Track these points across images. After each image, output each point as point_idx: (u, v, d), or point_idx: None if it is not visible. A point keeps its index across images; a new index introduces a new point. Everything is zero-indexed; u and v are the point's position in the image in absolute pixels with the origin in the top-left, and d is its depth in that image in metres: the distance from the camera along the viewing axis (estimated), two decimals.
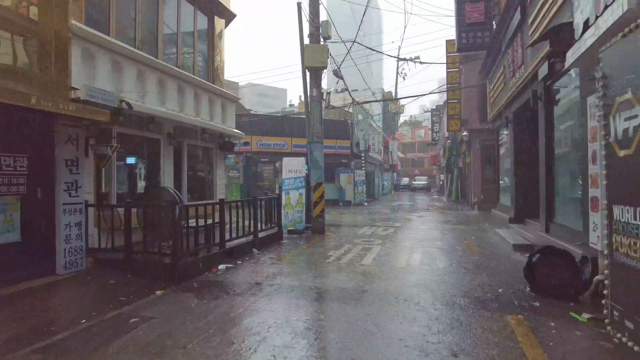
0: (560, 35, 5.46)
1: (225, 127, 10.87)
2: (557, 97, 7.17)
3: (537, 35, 7.25)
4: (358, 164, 24.55)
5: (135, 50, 7.80)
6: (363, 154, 24.68)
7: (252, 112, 24.25)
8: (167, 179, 8.93)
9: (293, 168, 10.97)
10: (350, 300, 4.97)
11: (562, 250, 5.16)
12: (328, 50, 10.68)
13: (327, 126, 23.28)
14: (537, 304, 4.74)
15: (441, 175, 45.33)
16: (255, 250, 8.23)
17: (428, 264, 6.95)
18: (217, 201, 7.30)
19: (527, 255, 7.96)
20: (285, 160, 11.10)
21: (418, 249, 8.40)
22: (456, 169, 24.34)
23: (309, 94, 11.04)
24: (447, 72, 18.77)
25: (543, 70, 7.16)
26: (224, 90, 10.93)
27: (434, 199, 29.31)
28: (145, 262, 6.35)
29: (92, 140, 6.94)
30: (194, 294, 5.30)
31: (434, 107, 38.74)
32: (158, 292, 5.45)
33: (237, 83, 38.68)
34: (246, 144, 20.13)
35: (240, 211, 8.28)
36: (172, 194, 6.60)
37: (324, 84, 11.85)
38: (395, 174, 48.97)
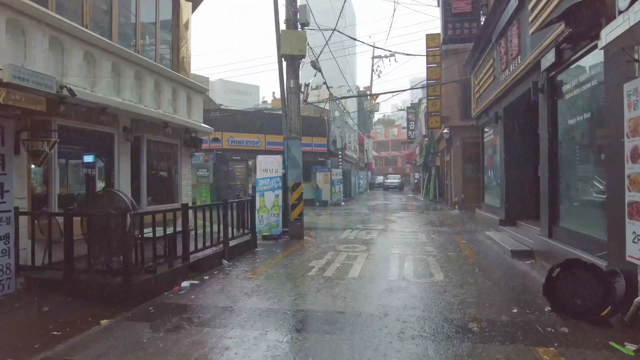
0: (581, 15, 4.73)
1: (192, 121, 9.74)
2: (565, 87, 6.49)
3: (539, 21, 6.55)
4: (335, 162, 23.72)
5: (83, 29, 6.60)
6: (340, 152, 23.87)
7: (223, 107, 22.95)
8: (122, 181, 7.75)
9: (268, 167, 9.96)
10: (344, 331, 4.06)
11: (589, 264, 4.43)
12: (306, 37, 9.72)
13: (303, 123, 22.20)
14: (565, 330, 3.98)
15: (416, 174, 45.22)
16: (225, 262, 7.20)
17: (424, 276, 6.13)
18: (180, 206, 6.25)
19: (529, 262, 7.36)
20: (260, 158, 10.07)
21: (409, 257, 7.59)
22: (434, 167, 23.91)
23: (285, 85, 10.05)
24: (427, 68, 18.18)
25: (548, 59, 6.47)
26: (190, 80, 9.79)
27: (411, 198, 28.88)
28: (89, 282, 5.23)
29: (25, 134, 5.73)
30: (149, 324, 4.25)
31: (409, 105, 38.44)
32: (103, 322, 4.38)
33: (208, 78, 37.15)
34: (216, 140, 18.90)
35: (208, 216, 7.23)
36: (124, 199, 5.48)
37: (300, 78, 10.87)
38: (369, 173, 48.51)
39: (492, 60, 10.62)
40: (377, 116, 58.35)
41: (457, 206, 17.59)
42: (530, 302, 4.81)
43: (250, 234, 8.74)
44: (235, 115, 20.53)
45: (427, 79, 18.04)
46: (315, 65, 12.32)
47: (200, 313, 4.59)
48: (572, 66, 6.06)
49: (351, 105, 40.28)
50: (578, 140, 6.37)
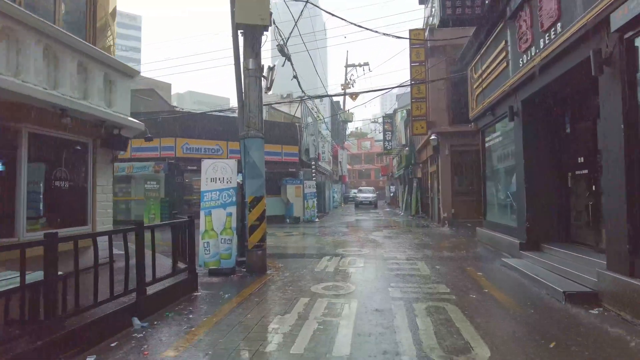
0: None
1: (113, 112, 7.03)
2: None
3: None
4: (308, 173, 21.25)
5: None
6: (313, 163, 21.43)
7: (178, 109, 20.10)
8: None
9: (218, 175, 7.34)
10: None
11: None
12: (269, 2, 7.28)
13: (272, 129, 19.82)
14: None
15: (391, 187, 43.34)
16: (137, 323, 4.53)
17: (458, 350, 3.68)
18: (44, 238, 3.59)
19: (596, 311, 4.98)
20: (206, 163, 7.43)
21: (418, 304, 5.14)
22: (415, 179, 21.84)
23: (242, 66, 7.54)
24: (411, 66, 16.15)
25: (630, 10, 4.29)
26: (111, 57, 7.11)
27: (389, 213, 26.67)
28: None
29: None
30: None
31: (384, 114, 36.68)
32: None
33: (170, 84, 34.12)
34: (167, 148, 16.09)
35: (122, 243, 4.56)
36: None
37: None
38: (344, 186, 46.28)
39: (503, 42, 8.51)
40: (350, 128, 56.47)
41: (446, 222, 15.42)
42: None
43: (187, 271, 6.07)
44: (193, 118, 17.76)
45: (412, 79, 16.00)
46: (283, 51, 9.92)
47: None
48: None
49: (324, 113, 38.17)
50: None
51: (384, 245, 10.66)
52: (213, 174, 7.32)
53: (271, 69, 7.90)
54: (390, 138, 32.60)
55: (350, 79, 38.44)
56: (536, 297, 5.55)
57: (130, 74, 7.67)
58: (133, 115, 7.86)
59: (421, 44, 16.17)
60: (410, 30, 16.20)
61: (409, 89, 19.32)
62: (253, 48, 7.39)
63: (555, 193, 7.81)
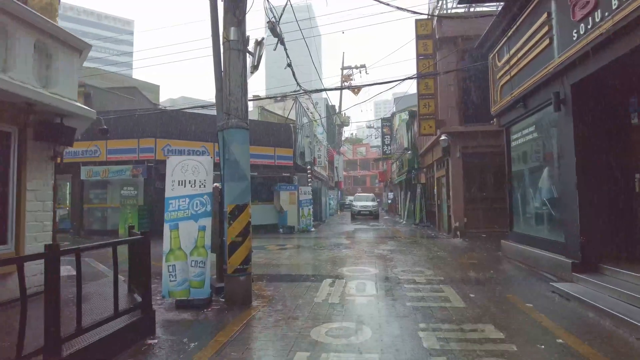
0: None
1: (48, 93, 5.32)
2: None
3: None
4: (303, 178, 19.56)
5: None
6: (309, 167, 19.76)
7: (160, 108, 18.36)
8: None
9: (188, 177, 5.65)
10: None
11: None
12: None
13: (264, 130, 18.19)
14: None
15: (390, 193, 41.75)
16: None
17: None
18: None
19: None
20: (172, 162, 5.72)
21: None
22: (419, 185, 20.24)
23: (221, 36, 5.89)
24: (418, 60, 14.61)
25: None
26: (46, 19, 5.41)
27: (390, 221, 25.00)
28: None
29: None
30: None
31: (385, 116, 35.19)
32: None
33: (158, 86, 32.40)
34: (146, 150, 14.37)
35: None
36: None
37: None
38: (340, 192, 44.60)
39: (544, 15, 6.94)
40: (346, 133, 55.03)
41: (458, 233, 13.79)
42: None
43: (140, 309, 4.36)
44: (175, 117, 16.04)
45: (418, 74, 14.44)
46: (274, 30, 8.31)
47: None
48: None
49: (319, 117, 36.60)
50: None
51: (395, 262, 8.97)
52: (181, 176, 5.62)
53: (259, 43, 6.25)
54: (389, 142, 31.06)
55: (346, 82, 37.04)
56: (623, 344, 3.91)
57: (78, 46, 5.98)
58: (101, 113, 6.18)
59: (428, 37, 14.65)
60: (417, 22, 14.70)
61: (407, 91, 17.75)
62: (235, 13, 5.74)
63: (617, 200, 6.21)
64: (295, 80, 11.72)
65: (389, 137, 31.23)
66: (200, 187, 5.61)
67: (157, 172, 14.96)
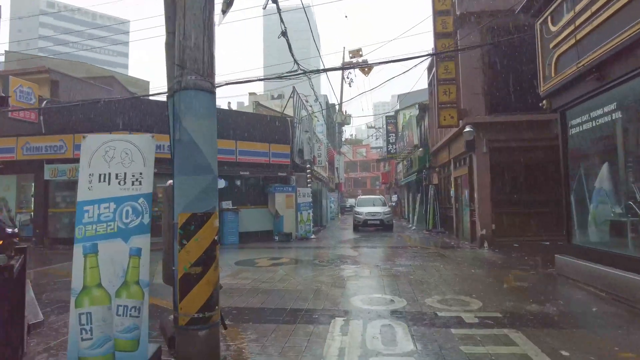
0: None
1: None
2: None
3: None
4: (302, 179, 17.41)
5: None
6: (308, 166, 17.62)
7: (135, 96, 16.16)
8: None
9: (114, 169, 3.49)
10: None
11: None
12: None
13: (256, 123, 15.99)
14: None
15: (393, 196, 39.62)
16: None
17: None
18: None
19: None
20: (91, 143, 3.56)
21: None
22: (432, 186, 18.11)
23: None
24: (436, 40, 12.49)
25: None
26: None
27: (397, 227, 22.79)
28: None
29: None
30: None
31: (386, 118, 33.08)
32: None
33: (148, 82, 30.27)
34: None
35: None
36: None
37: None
38: (340, 195, 42.43)
39: None
40: (346, 133, 52.91)
41: (485, 243, 11.65)
42: None
43: None
44: (156, 109, 13.84)
45: (436, 53, 12.33)
46: None
47: None
48: None
49: (318, 116, 34.61)
50: None
51: (423, 285, 6.81)
52: (104, 167, 3.47)
53: None
54: (394, 141, 28.94)
55: (347, 77, 34.97)
56: None
57: None
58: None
59: (447, 13, 12.55)
60: None
61: (411, 88, 15.79)
62: None
63: None
64: (293, 57, 9.60)
65: (393, 135, 29.11)
66: (134, 184, 3.46)
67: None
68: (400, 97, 35.44)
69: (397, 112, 33.03)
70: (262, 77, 9.71)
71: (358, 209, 20.16)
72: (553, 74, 7.40)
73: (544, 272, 7.85)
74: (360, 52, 13.20)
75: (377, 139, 54.28)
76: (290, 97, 17.15)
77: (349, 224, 26.24)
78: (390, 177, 39.10)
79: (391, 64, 8.91)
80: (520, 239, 11.72)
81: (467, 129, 11.71)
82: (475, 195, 12.21)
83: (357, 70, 34.13)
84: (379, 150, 58.30)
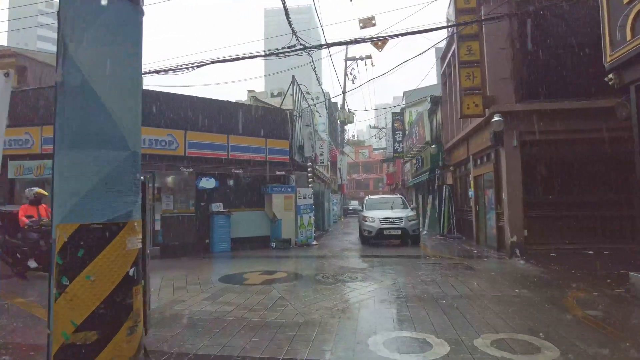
0: None
1: None
2: None
3: None
4: (302, 178, 15.71)
5: None
6: (310, 164, 15.91)
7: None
8: None
9: None
10: None
11: None
12: None
13: (251, 116, 14.26)
14: None
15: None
16: None
17: None
18: None
19: None
20: None
21: None
22: (446, 187, 16.40)
23: None
24: (458, 12, 10.81)
25: None
26: None
27: None
28: None
29: None
30: None
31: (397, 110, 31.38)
32: None
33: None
34: None
35: None
36: None
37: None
38: (343, 197, 40.69)
39: None
40: (349, 132, 51.18)
41: (517, 251, 9.93)
42: None
43: None
44: None
45: (458, 31, 10.66)
46: None
47: None
48: None
49: (320, 115, 33.04)
50: None
51: (464, 317, 5.08)
52: None
53: None
54: (400, 139, 27.23)
55: (350, 74, 33.30)
56: None
57: None
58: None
59: None
60: None
61: (418, 84, 14.29)
62: None
63: None
64: (292, 29, 7.92)
65: (400, 133, 27.41)
66: None
67: None
68: (407, 94, 33.78)
69: (403, 109, 31.36)
70: (255, 54, 8.05)
71: (368, 214, 13.96)
72: (629, 37, 5.70)
73: (612, 294, 6.13)
74: (373, 21, 11.43)
75: (380, 139, 52.59)
76: (289, 87, 15.46)
77: (352, 227, 24.54)
78: (396, 178, 37.39)
79: (409, 36, 7.22)
80: (557, 247, 10.03)
81: (496, 118, 10.01)
82: (504, 196, 10.50)
83: (360, 66, 32.23)
84: (382, 151, 56.62)
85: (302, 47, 8.18)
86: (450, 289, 6.67)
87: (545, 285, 6.97)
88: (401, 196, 17.83)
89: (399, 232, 13.00)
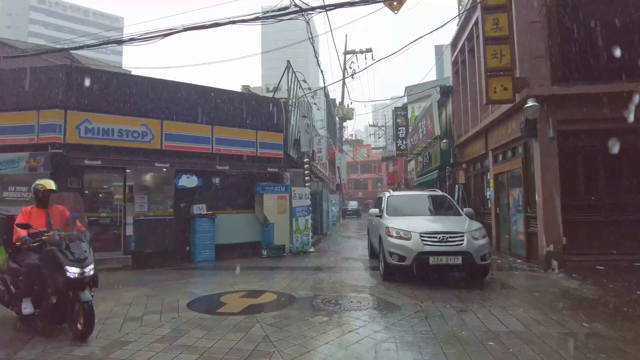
0: None
1: None
2: None
3: None
4: (298, 176, 14.00)
5: None
6: (307, 160, 14.22)
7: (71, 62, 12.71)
8: None
9: None
10: None
11: None
12: None
13: (241, 105, 12.38)
14: None
15: None
16: None
17: None
18: None
19: None
20: None
21: None
22: (459, 185, 14.76)
23: None
24: None
25: None
26: None
27: None
28: None
29: None
30: None
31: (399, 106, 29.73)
32: None
33: (129, 72, 27.07)
34: (50, 128, 8.91)
35: None
36: None
37: None
38: (342, 197, 38.99)
39: None
40: (348, 130, 49.43)
41: (555, 263, 8.28)
42: None
43: None
44: (103, 81, 10.41)
45: (483, 4, 9.00)
46: None
47: None
48: None
49: (318, 111, 31.22)
50: None
51: None
52: None
53: None
54: (404, 135, 25.57)
55: (349, 67, 31.69)
56: None
57: None
58: None
59: None
60: None
61: (421, 79, 12.75)
62: None
63: None
64: None
65: (403, 129, 25.76)
66: None
67: (67, 163, 9.41)
68: (409, 89, 32.16)
69: (405, 105, 29.76)
70: (246, 17, 6.36)
71: (394, 223, 7.69)
72: None
73: None
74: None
75: (380, 137, 50.97)
76: (283, 73, 13.75)
77: (352, 230, 22.90)
78: (398, 177, 35.76)
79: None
80: (602, 258, 8.39)
81: (530, 103, 8.35)
82: (537, 197, 8.85)
83: (359, 60, 30.18)
84: (381, 150, 54.95)
85: (298, 9, 6.51)
86: (493, 321, 5.00)
87: (612, 313, 5.32)
88: (444, 193, 10.10)
89: (459, 259, 6.94)
